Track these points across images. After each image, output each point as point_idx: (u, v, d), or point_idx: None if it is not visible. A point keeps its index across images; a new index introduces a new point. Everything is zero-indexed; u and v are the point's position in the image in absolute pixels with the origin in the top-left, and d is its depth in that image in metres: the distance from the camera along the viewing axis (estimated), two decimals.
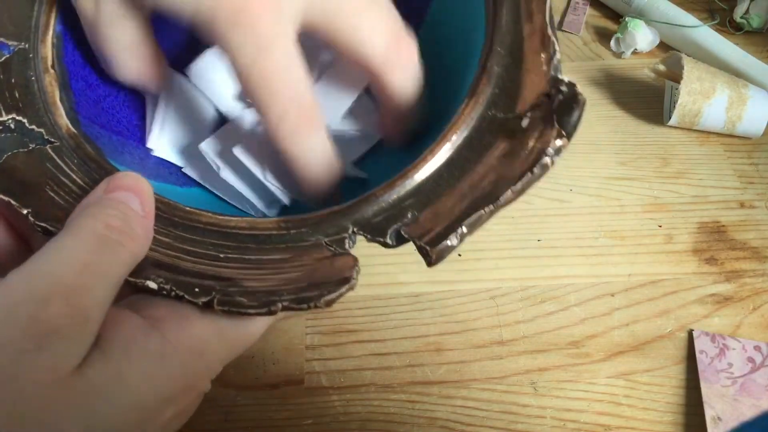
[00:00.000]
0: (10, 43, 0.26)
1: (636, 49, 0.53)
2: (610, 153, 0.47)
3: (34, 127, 0.25)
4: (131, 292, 0.22)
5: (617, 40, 0.53)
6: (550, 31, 0.25)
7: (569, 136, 0.23)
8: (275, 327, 0.38)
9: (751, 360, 0.37)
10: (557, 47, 0.24)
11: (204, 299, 0.21)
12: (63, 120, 0.25)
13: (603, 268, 0.41)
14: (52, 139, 0.25)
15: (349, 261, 0.22)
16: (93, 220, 0.20)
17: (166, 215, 0.23)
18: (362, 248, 0.44)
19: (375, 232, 0.23)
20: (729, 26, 0.55)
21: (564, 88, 0.23)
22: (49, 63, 0.26)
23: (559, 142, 0.22)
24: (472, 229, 0.22)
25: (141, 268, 0.21)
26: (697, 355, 0.37)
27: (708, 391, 0.36)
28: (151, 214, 0.22)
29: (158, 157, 0.31)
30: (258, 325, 0.23)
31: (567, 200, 0.44)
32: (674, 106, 0.46)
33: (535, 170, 0.22)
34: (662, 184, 0.46)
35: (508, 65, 0.25)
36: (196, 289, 0.21)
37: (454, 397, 0.36)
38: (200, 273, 0.22)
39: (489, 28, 0.26)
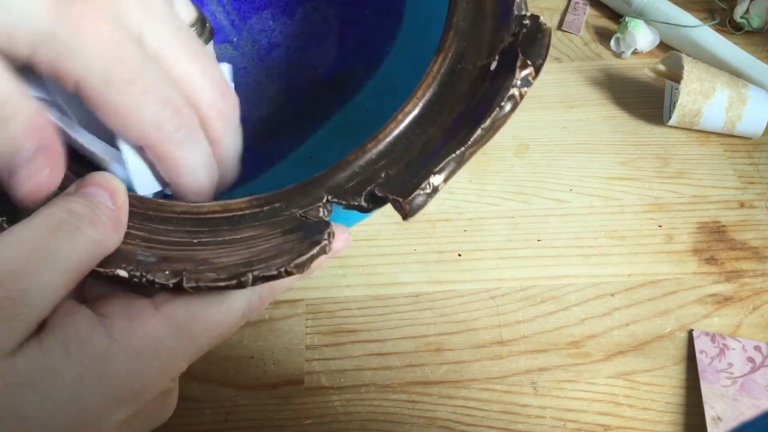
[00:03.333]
0: None
1: (636, 49, 0.53)
2: (610, 153, 0.47)
3: None
4: (111, 289, 0.22)
5: (617, 40, 0.53)
6: None
7: (536, 66, 0.22)
8: (275, 327, 0.38)
9: (751, 360, 0.37)
10: None
11: (174, 281, 0.20)
12: None
13: (603, 268, 0.41)
14: None
15: (320, 225, 0.21)
16: (52, 207, 0.20)
17: (140, 210, 0.23)
18: (362, 248, 0.45)
19: (349, 197, 0.22)
20: (729, 26, 0.55)
21: (527, 22, 0.23)
22: None
23: (524, 72, 0.22)
24: (448, 175, 0.21)
25: (112, 260, 0.21)
26: (697, 355, 0.37)
27: (708, 391, 0.36)
28: (123, 208, 0.22)
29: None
30: (222, 316, 0.21)
31: (567, 200, 0.44)
32: (674, 106, 0.46)
33: (503, 104, 0.21)
34: (662, 184, 0.46)
35: (474, 17, 0.25)
36: (167, 272, 0.20)
37: (454, 397, 0.36)
38: (172, 258, 0.21)
39: None
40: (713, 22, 0.54)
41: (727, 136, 0.48)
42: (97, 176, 0.22)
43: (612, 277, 0.41)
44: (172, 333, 0.20)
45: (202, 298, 0.21)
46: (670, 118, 0.47)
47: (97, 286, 0.22)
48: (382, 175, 0.22)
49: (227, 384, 0.36)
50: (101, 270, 0.20)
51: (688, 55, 0.48)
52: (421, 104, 0.24)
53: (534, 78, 0.22)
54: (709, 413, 0.35)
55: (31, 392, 0.18)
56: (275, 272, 0.20)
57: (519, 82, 0.22)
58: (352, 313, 0.39)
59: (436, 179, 0.21)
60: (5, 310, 0.18)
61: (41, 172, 0.21)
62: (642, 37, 0.52)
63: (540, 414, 0.36)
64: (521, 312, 0.39)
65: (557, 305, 0.40)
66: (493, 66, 0.23)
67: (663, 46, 0.54)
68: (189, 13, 0.26)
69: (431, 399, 0.36)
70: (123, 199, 0.22)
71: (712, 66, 0.48)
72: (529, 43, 0.22)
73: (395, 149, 0.23)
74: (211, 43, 0.28)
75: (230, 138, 0.25)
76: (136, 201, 0.23)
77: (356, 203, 0.22)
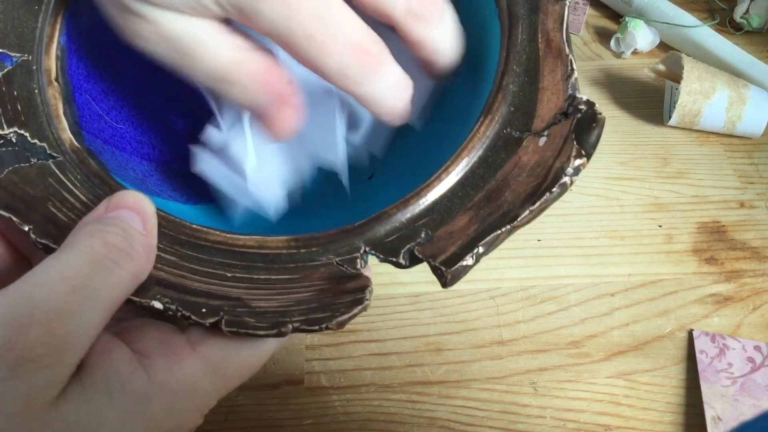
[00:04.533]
0: (13, 54, 0.26)
1: (636, 49, 0.53)
2: (610, 153, 0.47)
3: (36, 141, 0.24)
4: (136, 314, 0.21)
5: (617, 40, 0.53)
6: (567, 51, 0.25)
7: (588, 156, 0.22)
8: None
9: (751, 360, 0.37)
10: (575, 66, 0.24)
11: (211, 320, 0.20)
12: (66, 134, 0.24)
13: (603, 268, 0.41)
14: (55, 154, 0.24)
15: (361, 282, 0.22)
16: (89, 237, 0.19)
17: (172, 233, 0.23)
18: None
19: (388, 252, 0.22)
20: (729, 26, 0.55)
21: (583, 107, 0.23)
22: (53, 75, 0.25)
23: (578, 162, 0.22)
24: (488, 249, 0.21)
25: (145, 288, 0.21)
26: (697, 355, 0.37)
27: (708, 391, 0.36)
28: (153, 232, 0.21)
29: (161, 175, 0.31)
30: (255, 358, 0.21)
31: (567, 200, 0.44)
32: (674, 106, 0.46)
33: (554, 190, 0.22)
34: (662, 184, 0.46)
35: (524, 84, 0.25)
36: (203, 310, 0.20)
37: (454, 397, 0.36)
38: (207, 293, 0.21)
39: (504, 48, 0.26)
40: (713, 22, 0.54)
41: (727, 136, 0.48)
42: (127, 195, 0.21)
43: (612, 277, 0.41)
44: (207, 374, 0.20)
45: (237, 340, 0.21)
46: (670, 118, 0.47)
47: (128, 312, 0.21)
48: (422, 235, 0.22)
49: None
50: (136, 299, 0.20)
51: (688, 55, 0.48)
52: (464, 164, 0.24)
53: (584, 168, 0.22)
54: (709, 413, 0.35)
55: None
56: (316, 327, 0.20)
57: (571, 171, 0.22)
58: None
59: (478, 250, 0.21)
60: (50, 356, 0.17)
61: (284, 119, 0.24)
62: (642, 37, 0.52)
63: (540, 414, 0.36)
64: (521, 312, 0.39)
65: (557, 305, 0.40)
66: (541, 142, 0.23)
67: (663, 46, 0.54)
68: None
69: (431, 399, 0.36)
70: (153, 222, 0.21)
71: (712, 66, 0.48)
72: (584, 131, 0.23)
73: (437, 208, 0.23)
74: None
75: (434, 38, 0.25)
76: (168, 223, 0.23)
77: (394, 260, 0.22)
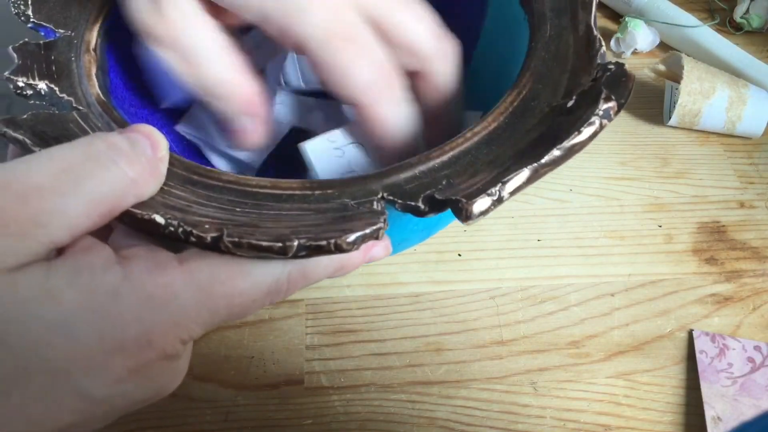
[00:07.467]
0: (57, 30, 0.27)
1: (636, 49, 0.53)
2: (610, 153, 0.47)
3: (64, 95, 0.25)
4: (138, 240, 0.21)
5: (617, 40, 0.53)
6: (595, 32, 0.25)
7: (619, 103, 0.22)
8: (274, 327, 0.38)
9: (751, 360, 0.37)
10: (602, 42, 0.25)
11: (213, 234, 0.19)
12: (95, 90, 0.25)
13: (603, 268, 0.41)
14: (80, 107, 0.25)
15: (375, 214, 0.21)
16: (94, 137, 0.19)
17: (184, 173, 0.23)
18: None
19: (406, 196, 0.22)
20: (729, 26, 0.55)
21: (612, 67, 0.23)
22: (92, 46, 0.27)
23: (608, 104, 0.22)
24: (515, 188, 0.20)
25: (148, 206, 0.20)
26: (697, 355, 0.37)
27: (708, 391, 0.36)
28: (163, 160, 0.21)
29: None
30: (247, 284, 0.20)
31: (567, 200, 0.44)
32: (674, 106, 0.46)
33: (583, 130, 0.21)
34: (662, 184, 0.46)
35: (552, 65, 0.25)
36: (207, 226, 0.20)
37: (454, 397, 0.36)
38: (214, 217, 0.21)
39: (533, 41, 0.27)
40: (713, 22, 0.54)
41: (727, 136, 0.48)
42: (141, 126, 0.21)
43: (612, 277, 0.41)
44: (190, 289, 0.19)
45: (229, 262, 0.20)
46: (670, 118, 0.47)
47: (123, 237, 0.21)
48: (443, 182, 0.22)
49: (227, 384, 0.36)
50: (136, 212, 0.20)
51: (688, 55, 0.48)
52: (491, 128, 0.24)
53: (615, 114, 0.22)
54: (709, 413, 0.35)
55: (23, 311, 0.17)
56: (324, 243, 0.19)
57: (601, 112, 0.21)
58: (352, 313, 0.39)
59: (502, 188, 0.20)
60: (18, 224, 0.17)
61: (255, 133, 0.28)
62: (642, 37, 0.52)
63: (540, 414, 0.36)
64: (521, 312, 0.39)
65: (557, 305, 0.40)
66: (570, 104, 0.23)
67: (663, 46, 0.54)
68: None
69: (431, 399, 0.36)
70: (164, 153, 0.21)
71: (712, 66, 0.48)
72: (613, 85, 0.22)
73: (460, 162, 0.23)
74: None
75: (450, 78, 0.28)
76: (180, 163, 0.23)
77: (413, 204, 0.21)
